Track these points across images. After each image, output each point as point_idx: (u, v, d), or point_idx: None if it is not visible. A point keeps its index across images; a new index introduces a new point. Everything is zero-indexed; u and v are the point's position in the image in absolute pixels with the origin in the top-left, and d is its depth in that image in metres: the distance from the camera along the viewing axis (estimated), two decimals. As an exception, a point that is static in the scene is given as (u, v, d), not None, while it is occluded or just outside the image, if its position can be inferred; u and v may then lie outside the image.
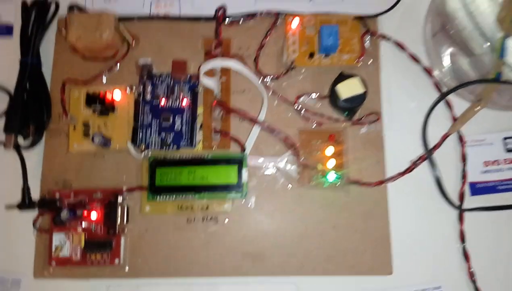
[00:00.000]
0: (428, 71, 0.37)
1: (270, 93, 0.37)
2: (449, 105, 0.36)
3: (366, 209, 0.35)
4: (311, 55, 0.37)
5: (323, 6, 0.39)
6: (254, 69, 0.37)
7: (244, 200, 0.34)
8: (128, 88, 0.36)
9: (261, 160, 0.35)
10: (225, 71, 0.37)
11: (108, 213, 0.33)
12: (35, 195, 0.35)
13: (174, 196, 0.33)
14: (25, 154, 0.35)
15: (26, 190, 0.34)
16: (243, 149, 0.35)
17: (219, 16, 0.37)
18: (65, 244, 0.33)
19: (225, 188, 0.33)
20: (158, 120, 0.36)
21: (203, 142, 0.35)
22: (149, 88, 0.36)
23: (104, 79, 0.37)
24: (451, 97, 0.36)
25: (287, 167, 0.35)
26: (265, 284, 0.34)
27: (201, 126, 0.36)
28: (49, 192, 0.35)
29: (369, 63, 0.38)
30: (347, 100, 0.36)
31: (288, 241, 0.34)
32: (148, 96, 0.36)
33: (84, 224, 0.33)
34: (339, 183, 0.35)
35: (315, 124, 0.37)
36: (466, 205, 0.35)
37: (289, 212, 0.35)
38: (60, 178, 0.36)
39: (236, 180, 0.33)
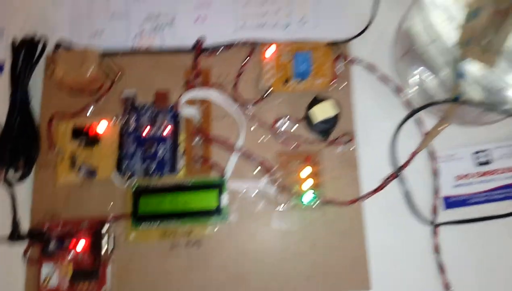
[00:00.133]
0: (398, 91, 0.39)
1: (249, 118, 0.39)
2: (420, 122, 0.38)
3: (343, 227, 0.36)
4: (286, 81, 0.39)
5: (297, 33, 0.42)
6: (233, 96, 0.39)
7: (225, 223, 0.36)
8: (113, 119, 0.38)
9: (241, 183, 0.37)
10: (205, 99, 0.39)
11: (95, 242, 0.34)
12: (25, 226, 0.36)
13: (157, 223, 0.35)
14: (15, 187, 0.37)
15: (16, 222, 0.35)
16: (223, 174, 0.36)
17: (198, 48, 0.39)
18: (53, 274, 0.34)
19: (207, 213, 0.35)
20: (141, 149, 0.37)
21: (185, 168, 0.37)
22: (133, 119, 0.38)
23: (90, 112, 0.39)
24: (422, 114, 0.38)
25: (267, 189, 0.37)
26: (250, 304, 0.35)
27: (183, 153, 0.37)
28: (39, 223, 0.36)
29: (341, 86, 0.40)
30: (321, 122, 0.37)
31: (270, 262, 0.36)
32: (132, 127, 0.38)
33: (71, 254, 0.34)
34: (316, 203, 0.36)
35: (292, 147, 0.38)
36: (440, 219, 0.36)
37: (269, 234, 0.36)
38: (49, 209, 0.37)
39: (217, 205, 0.35)
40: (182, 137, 0.38)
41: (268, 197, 0.37)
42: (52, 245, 0.34)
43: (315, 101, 0.38)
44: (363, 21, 0.41)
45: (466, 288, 0.35)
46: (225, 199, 0.35)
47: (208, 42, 0.41)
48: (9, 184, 0.37)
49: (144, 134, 0.38)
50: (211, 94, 0.38)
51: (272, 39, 0.41)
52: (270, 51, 0.40)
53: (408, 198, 0.36)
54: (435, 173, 0.37)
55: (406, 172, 0.37)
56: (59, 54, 0.38)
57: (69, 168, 0.37)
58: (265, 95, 0.39)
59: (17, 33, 0.40)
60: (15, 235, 0.35)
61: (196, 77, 0.38)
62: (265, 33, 0.41)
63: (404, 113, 0.38)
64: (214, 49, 0.41)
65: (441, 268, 0.35)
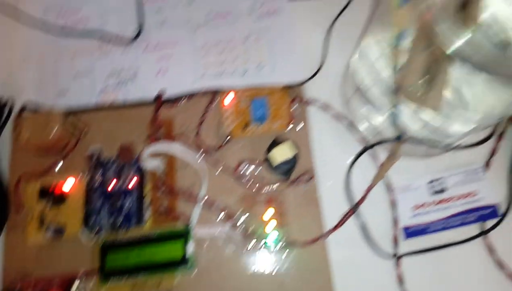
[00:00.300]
0: (352, 128, 0.41)
1: (212, 164, 0.40)
2: (375, 156, 0.40)
3: (309, 265, 0.37)
4: (246, 126, 0.41)
5: (255, 79, 0.44)
6: (196, 144, 0.41)
7: (193, 271, 0.37)
8: (79, 176, 0.39)
9: (207, 230, 0.38)
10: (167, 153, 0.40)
11: (65, 299, 0.35)
12: (-3, 289, 0.37)
13: (126, 277, 0.35)
14: (-14, 250, 0.38)
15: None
16: (188, 223, 0.37)
17: (158, 103, 0.41)
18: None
19: (174, 263, 0.36)
20: (108, 204, 0.38)
21: (151, 219, 0.38)
22: (98, 174, 0.39)
23: (57, 170, 0.40)
24: (377, 148, 0.40)
25: (232, 234, 0.38)
26: None
27: (149, 204, 0.39)
28: (11, 283, 0.37)
29: (299, 126, 0.41)
30: (281, 164, 0.39)
31: (239, 304, 0.36)
32: (98, 182, 0.39)
33: (42, 314, 0.35)
34: (280, 244, 0.37)
35: (255, 189, 0.39)
36: (402, 249, 0.38)
37: (238, 277, 0.37)
38: (21, 269, 0.38)
39: (183, 254, 0.36)
40: (147, 188, 0.39)
41: (234, 241, 0.38)
42: (22, 307, 0.35)
43: (275, 143, 0.40)
44: (315, 64, 0.43)
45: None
46: (191, 247, 0.36)
47: (170, 93, 0.43)
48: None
49: (110, 188, 0.39)
50: (173, 148, 0.39)
51: (232, 86, 0.43)
52: (229, 99, 0.42)
53: (366, 233, 0.38)
54: (393, 204, 0.39)
55: (365, 205, 0.38)
56: (24, 117, 0.39)
57: (38, 227, 0.38)
58: (226, 141, 0.41)
59: (-17, 98, 0.42)
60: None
61: (157, 130, 0.40)
62: (224, 81, 0.43)
63: (359, 148, 0.40)
64: (176, 100, 0.42)
65: (405, 298, 0.36)
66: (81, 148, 0.41)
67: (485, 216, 0.38)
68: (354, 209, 0.37)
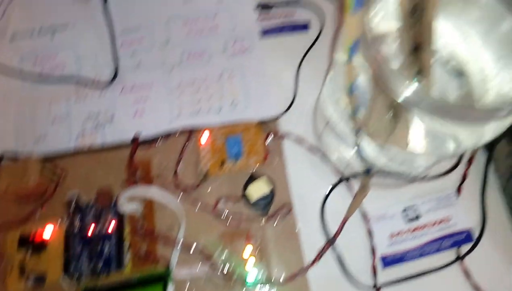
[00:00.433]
0: (325, 160, 0.42)
1: (190, 203, 0.41)
2: (350, 187, 0.41)
3: (290, 300, 0.38)
4: (222, 163, 0.42)
5: (230, 116, 0.44)
6: (174, 184, 0.41)
7: (173, 313, 0.37)
8: (58, 222, 0.40)
9: (187, 272, 0.38)
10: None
11: None
12: None
13: (106, 323, 0.35)
14: (-34, 303, 0.38)
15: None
16: (168, 265, 0.38)
17: (134, 146, 0.41)
18: None
19: (154, 306, 0.36)
20: (88, 249, 0.38)
21: (131, 263, 0.38)
22: (77, 220, 0.40)
23: (37, 217, 0.40)
24: (352, 179, 0.41)
25: (212, 274, 0.38)
26: None
27: (128, 248, 0.39)
28: (-8, 336, 0.37)
29: (275, 160, 0.42)
30: (258, 200, 0.39)
31: None
32: (77, 227, 0.39)
33: None
34: (260, 281, 0.38)
35: (234, 226, 0.40)
36: (380, 279, 0.38)
37: (219, 316, 0.37)
38: (2, 320, 0.38)
39: (162, 297, 0.36)
40: (126, 232, 0.39)
41: (215, 281, 0.38)
42: None
43: (252, 178, 0.40)
44: (288, 99, 0.44)
45: None
46: (171, 290, 0.36)
47: (147, 133, 0.43)
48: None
49: (89, 233, 0.39)
50: (149, 191, 0.40)
51: (207, 124, 0.43)
52: (205, 137, 0.42)
53: (343, 267, 0.38)
54: (369, 234, 0.40)
55: (342, 236, 0.39)
56: (2, 166, 0.40)
57: (18, 277, 0.38)
58: (204, 180, 0.41)
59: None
60: None
61: (134, 174, 0.40)
62: (200, 119, 0.44)
63: (335, 180, 0.41)
64: (153, 140, 0.43)
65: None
66: (60, 193, 0.41)
67: (460, 241, 0.39)
68: (330, 242, 0.38)
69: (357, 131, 0.28)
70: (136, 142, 0.42)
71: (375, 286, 0.38)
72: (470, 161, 0.41)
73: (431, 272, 0.38)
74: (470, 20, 0.31)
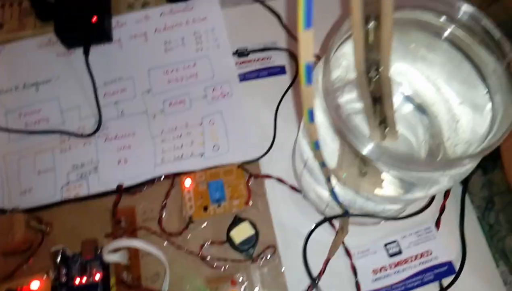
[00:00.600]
0: (308, 199, 0.43)
1: (176, 248, 0.41)
2: (333, 225, 0.42)
3: None
4: (206, 208, 0.42)
5: (212, 160, 0.45)
6: (159, 230, 0.42)
7: None
8: (45, 275, 0.40)
9: (173, 318, 0.38)
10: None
11: None
12: None
13: None
14: None
15: None
16: (154, 313, 0.38)
17: (117, 197, 0.42)
18: None
19: None
20: (75, 301, 0.39)
21: (118, 313, 0.38)
22: (63, 271, 0.40)
23: (23, 271, 0.41)
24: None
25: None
26: None
27: (115, 297, 0.39)
28: None
29: (258, 202, 0.43)
30: (243, 242, 0.40)
31: None
32: (63, 279, 0.39)
33: None
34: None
35: (220, 269, 0.40)
36: (366, 316, 0.39)
37: None
38: None
39: None
40: (112, 281, 0.40)
41: (201, 326, 0.38)
42: None
43: (236, 221, 0.41)
44: (268, 140, 0.46)
45: None
46: (157, 340, 0.36)
47: (132, 181, 0.44)
48: None
49: (75, 284, 0.39)
50: (132, 243, 0.40)
51: (191, 168, 0.44)
52: (188, 182, 0.43)
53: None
54: (353, 270, 0.40)
55: (326, 274, 0.39)
56: (-14, 223, 0.40)
57: (4, 334, 0.38)
58: (188, 225, 0.42)
59: None
60: None
61: (118, 224, 0.41)
62: (183, 165, 0.45)
63: (318, 218, 0.42)
64: (137, 187, 0.44)
65: None
66: (46, 246, 0.41)
67: (442, 273, 0.40)
68: (314, 283, 0.38)
69: (328, 179, 0.29)
70: (119, 193, 0.42)
71: (361, 324, 0.38)
72: (446, 194, 0.42)
73: (415, 307, 0.39)
74: (433, 64, 0.33)
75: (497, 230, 0.40)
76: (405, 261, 0.40)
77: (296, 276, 0.40)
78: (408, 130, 0.35)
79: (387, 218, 0.40)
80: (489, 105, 0.27)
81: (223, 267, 0.40)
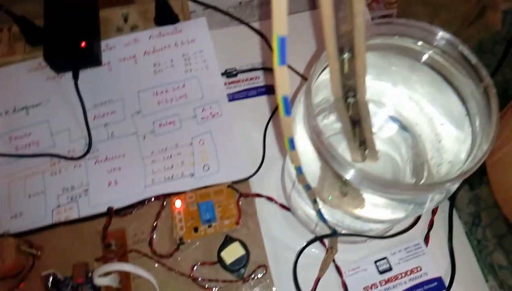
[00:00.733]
0: (297, 218, 0.43)
1: (167, 269, 0.41)
2: (323, 244, 0.42)
3: None
4: (196, 229, 0.43)
5: (203, 180, 0.46)
6: (149, 252, 0.42)
7: None
8: (35, 300, 0.40)
9: (164, 342, 0.38)
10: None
11: None
12: None
13: None
14: None
15: None
16: (145, 337, 0.38)
17: (107, 220, 0.42)
18: None
19: None
20: (65, 327, 0.38)
21: (109, 338, 0.38)
22: (54, 296, 0.40)
23: (14, 296, 0.40)
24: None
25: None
26: None
27: (106, 321, 0.39)
28: None
29: (248, 221, 0.43)
30: (233, 263, 0.40)
31: None
32: (55, 304, 0.39)
33: None
34: None
35: (211, 290, 0.40)
36: (358, 334, 0.39)
37: None
38: None
39: None
40: (104, 305, 0.39)
41: None
42: None
43: (226, 241, 0.41)
44: (257, 159, 0.46)
45: None
46: None
47: (122, 203, 0.44)
48: None
49: (67, 309, 0.39)
50: (123, 267, 0.40)
51: (181, 188, 0.45)
52: (177, 204, 0.44)
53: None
54: (344, 288, 0.40)
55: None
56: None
57: None
58: (179, 246, 0.42)
59: None
60: None
61: (109, 247, 0.41)
62: (173, 185, 0.45)
63: (308, 237, 0.42)
64: (127, 209, 0.44)
65: None
66: (37, 270, 0.41)
67: (432, 289, 0.40)
68: (304, 303, 0.39)
69: (314, 201, 0.29)
70: (109, 216, 0.42)
71: None
72: (434, 210, 0.42)
73: (406, 324, 0.39)
74: (416, 85, 0.34)
75: (485, 245, 0.40)
76: (395, 277, 0.41)
77: (287, 296, 0.40)
78: (393, 149, 0.35)
79: (375, 237, 0.40)
80: (469, 127, 0.28)
81: (214, 288, 0.41)
